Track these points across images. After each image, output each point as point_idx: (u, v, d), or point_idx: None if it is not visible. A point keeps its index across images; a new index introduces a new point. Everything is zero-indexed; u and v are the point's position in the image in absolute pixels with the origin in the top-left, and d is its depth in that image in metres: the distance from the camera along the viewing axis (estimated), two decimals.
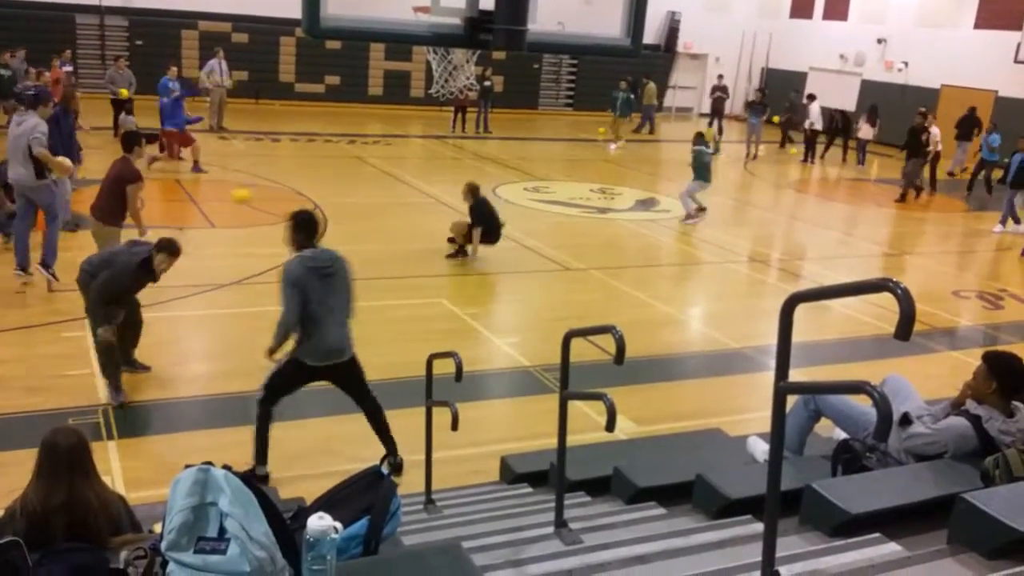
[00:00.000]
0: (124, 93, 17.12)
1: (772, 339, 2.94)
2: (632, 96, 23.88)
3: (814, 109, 23.22)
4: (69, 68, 18.58)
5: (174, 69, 16.52)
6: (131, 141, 9.10)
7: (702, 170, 14.55)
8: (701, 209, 14.74)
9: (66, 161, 9.43)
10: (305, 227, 6.00)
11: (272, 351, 5.97)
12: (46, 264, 9.26)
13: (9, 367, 7.47)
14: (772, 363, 2.90)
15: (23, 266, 9.51)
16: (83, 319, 8.56)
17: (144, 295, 9.35)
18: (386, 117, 25.24)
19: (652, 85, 26.29)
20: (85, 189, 13.17)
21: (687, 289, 12.02)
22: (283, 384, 6.05)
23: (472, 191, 11.52)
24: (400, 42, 22.17)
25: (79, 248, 11.04)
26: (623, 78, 23.88)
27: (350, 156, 18.81)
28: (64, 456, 3.51)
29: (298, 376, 6.05)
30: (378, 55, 26.55)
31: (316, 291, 5.83)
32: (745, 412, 7.61)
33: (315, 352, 5.95)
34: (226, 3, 24.14)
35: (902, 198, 18.64)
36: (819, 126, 23.21)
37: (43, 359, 7.70)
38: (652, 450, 5.95)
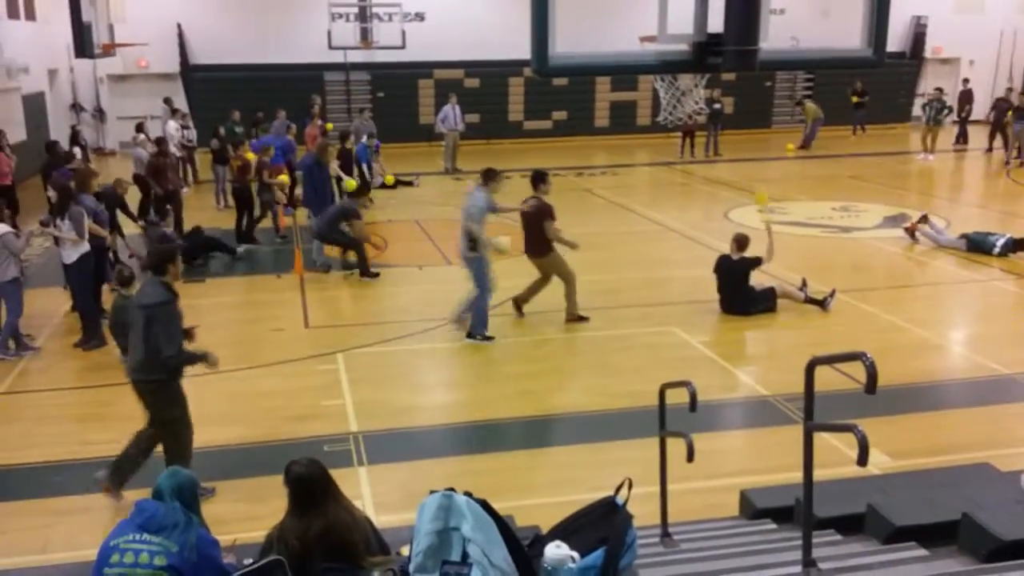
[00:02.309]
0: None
1: None
2: (944, 104, 22.62)
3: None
4: (320, 122, 20.26)
5: (365, 137, 17.74)
6: (538, 179, 9.83)
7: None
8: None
9: (503, 241, 9.58)
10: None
11: None
12: (470, 334, 9.58)
13: (274, 399, 8.16)
14: None
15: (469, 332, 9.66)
16: (336, 352, 9.25)
17: (388, 329, 9.99)
18: (612, 148, 25.42)
19: (812, 105, 24.59)
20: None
21: (946, 310, 11.05)
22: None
23: (734, 242, 10.44)
24: (627, 73, 22.39)
25: (334, 287, 11.99)
26: (936, 88, 23.31)
27: (579, 188, 19.06)
28: (311, 487, 3.73)
29: None
30: (604, 87, 26.86)
31: None
32: (1019, 445, 6.89)
33: None
34: (458, 51, 25.43)
35: None
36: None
37: (302, 390, 8.35)
38: (911, 486, 5.48)
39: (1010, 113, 21.47)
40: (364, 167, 16.72)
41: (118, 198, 11.77)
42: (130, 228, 12.48)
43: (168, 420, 6.12)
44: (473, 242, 9.28)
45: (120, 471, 6.21)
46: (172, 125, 19.07)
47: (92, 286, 9.81)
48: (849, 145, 24.82)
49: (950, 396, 8.23)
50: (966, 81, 25.59)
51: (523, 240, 10.06)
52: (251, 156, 14.67)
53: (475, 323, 9.55)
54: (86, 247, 9.37)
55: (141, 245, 11.93)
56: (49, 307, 10.77)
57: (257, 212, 14.43)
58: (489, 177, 9.59)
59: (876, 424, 6.31)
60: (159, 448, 6.27)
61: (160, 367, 5.92)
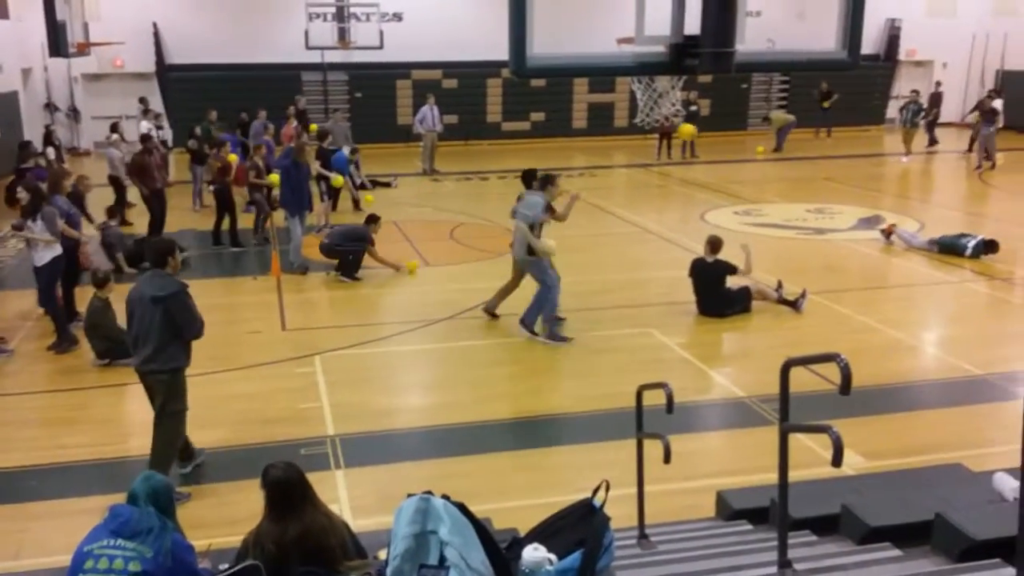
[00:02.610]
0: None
1: (1021, 364, 2.65)
2: (921, 107, 22.93)
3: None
4: (296, 123, 20.14)
5: (347, 149, 17.46)
6: (529, 177, 9.77)
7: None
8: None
9: (549, 243, 9.52)
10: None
11: None
12: (522, 320, 9.62)
13: (250, 402, 8.10)
14: (1021, 391, 2.61)
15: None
16: (313, 355, 9.20)
17: (366, 331, 9.96)
18: (590, 149, 25.48)
19: (779, 114, 25.29)
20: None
21: (920, 311, 11.16)
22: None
23: (708, 245, 10.51)
24: (605, 75, 22.42)
25: (312, 289, 11.93)
26: (913, 90, 23.70)
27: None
28: (289, 491, 3.72)
29: None
30: (582, 89, 26.93)
31: None
32: (990, 445, 6.94)
33: None
34: (436, 52, 25.38)
35: None
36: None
37: (279, 393, 8.30)
38: (885, 486, 5.53)
39: (978, 116, 21.78)
40: (347, 178, 16.53)
41: (79, 196, 11.62)
42: (89, 229, 12.31)
43: (172, 412, 6.23)
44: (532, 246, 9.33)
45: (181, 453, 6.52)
46: (144, 125, 18.89)
47: (63, 287, 9.70)
48: (824, 147, 25.05)
49: (923, 397, 8.31)
50: (938, 84, 25.89)
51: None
52: (232, 158, 14.55)
53: (537, 316, 9.55)
54: (59, 249, 9.25)
55: (97, 246, 11.88)
56: (23, 309, 10.64)
57: (254, 214, 14.41)
58: (548, 181, 9.62)
59: (850, 425, 6.37)
60: (145, 450, 6.33)
61: (174, 356, 6.14)
